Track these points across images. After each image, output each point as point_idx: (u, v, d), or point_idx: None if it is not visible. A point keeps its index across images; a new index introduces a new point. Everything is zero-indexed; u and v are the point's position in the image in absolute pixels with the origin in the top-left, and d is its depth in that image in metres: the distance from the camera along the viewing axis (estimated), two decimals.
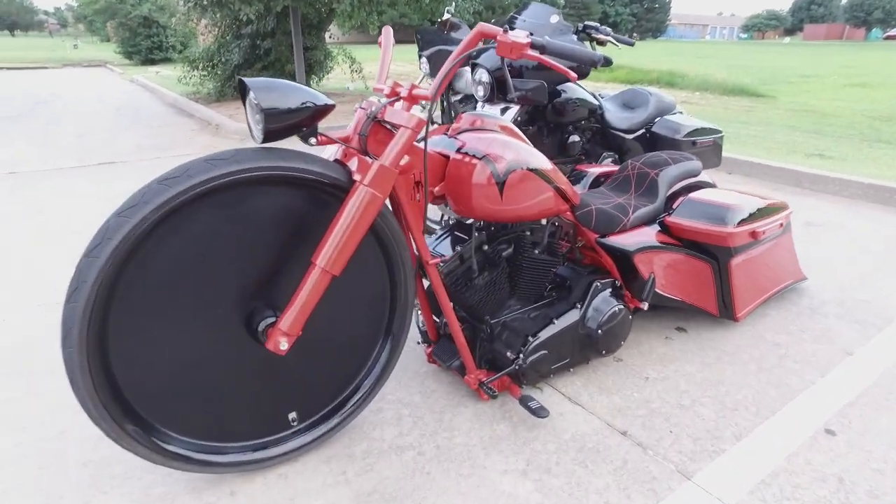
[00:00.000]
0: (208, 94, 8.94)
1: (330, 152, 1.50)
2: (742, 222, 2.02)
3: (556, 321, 1.83)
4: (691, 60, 17.76)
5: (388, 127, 1.48)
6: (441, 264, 1.67)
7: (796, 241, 3.17)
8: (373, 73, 9.98)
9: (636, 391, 1.89)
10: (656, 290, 2.02)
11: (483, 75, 2.88)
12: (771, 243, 2.21)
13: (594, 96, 3.37)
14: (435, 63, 3.83)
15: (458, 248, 1.70)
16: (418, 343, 2.10)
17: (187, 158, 5.27)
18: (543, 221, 1.81)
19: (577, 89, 3.16)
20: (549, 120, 3.13)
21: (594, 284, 1.90)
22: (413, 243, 1.59)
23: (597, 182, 2.38)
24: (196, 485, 1.51)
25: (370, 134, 1.45)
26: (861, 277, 2.73)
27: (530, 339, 1.78)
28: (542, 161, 1.65)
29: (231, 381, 1.45)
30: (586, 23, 3.18)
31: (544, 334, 1.80)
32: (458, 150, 1.58)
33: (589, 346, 1.89)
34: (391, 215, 1.53)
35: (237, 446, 1.51)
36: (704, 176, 2.29)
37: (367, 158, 1.44)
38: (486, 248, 1.74)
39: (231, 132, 6.58)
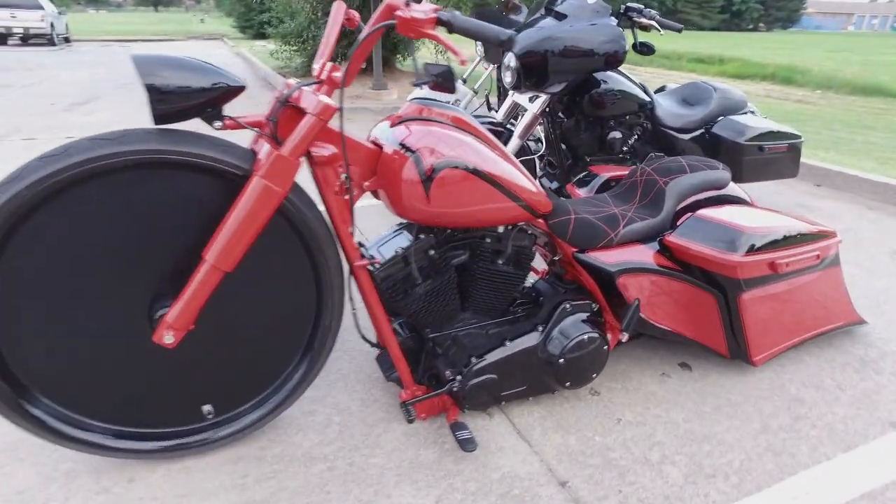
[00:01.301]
0: (296, 69, 9.25)
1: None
2: (757, 250, 1.64)
3: (509, 343, 1.60)
4: (823, 54, 15.78)
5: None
6: (376, 267, 1.51)
7: (876, 273, 2.63)
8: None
9: (600, 434, 1.63)
10: (648, 318, 1.72)
11: (511, 60, 2.63)
12: (806, 277, 1.80)
13: (644, 89, 2.99)
14: (488, 46, 3.61)
15: (399, 251, 1.53)
16: (372, 345, 1.96)
17: (221, 131, 5.45)
18: (501, 229, 1.58)
19: (621, 80, 2.81)
20: (587, 113, 2.82)
21: (562, 306, 1.64)
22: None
23: (606, 186, 2.08)
24: (99, 466, 1.49)
25: (282, 119, 1.32)
26: None
27: (473, 359, 1.58)
28: (493, 162, 1.43)
29: (136, 366, 1.40)
30: (628, 4, 2.80)
31: (493, 356, 1.59)
32: (394, 142, 1.41)
33: (551, 375, 1.65)
34: (312, 210, 1.40)
35: (140, 432, 1.46)
36: (736, 189, 1.91)
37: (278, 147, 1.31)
38: (432, 252, 1.55)
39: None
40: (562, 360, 1.61)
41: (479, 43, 3.95)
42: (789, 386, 1.84)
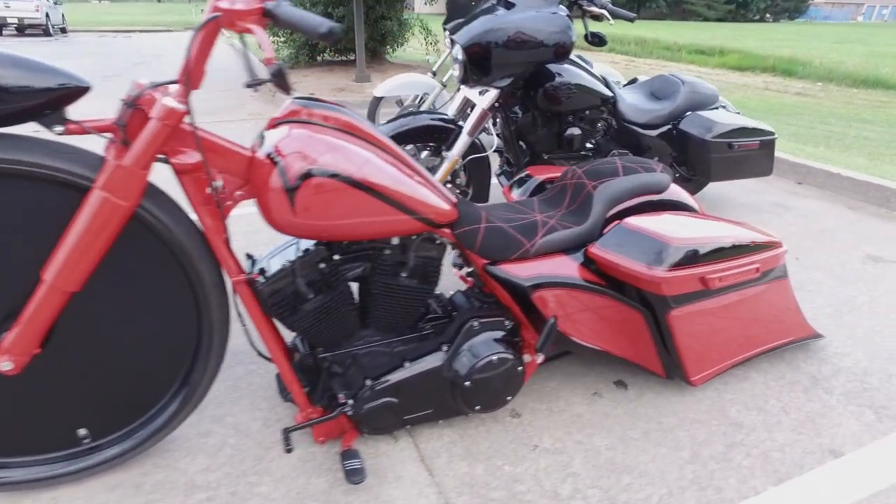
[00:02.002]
0: (283, 60, 9.09)
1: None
2: (684, 265, 1.49)
3: (409, 363, 1.47)
4: (828, 45, 15.42)
5: None
6: (261, 281, 1.37)
7: (844, 280, 2.47)
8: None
9: (511, 463, 1.49)
10: (572, 336, 1.58)
11: (458, 52, 2.48)
12: (747, 291, 1.64)
13: (605, 82, 2.83)
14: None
15: (287, 264, 1.39)
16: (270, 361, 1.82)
17: (226, 124, 5.34)
18: (396, 240, 1.44)
19: (578, 73, 2.65)
20: (541, 108, 2.66)
21: (468, 324, 1.50)
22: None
23: (542, 189, 1.93)
24: None
25: (131, 124, 1.18)
26: None
27: (368, 381, 1.45)
28: (376, 170, 1.28)
29: None
30: None
31: (390, 378, 1.45)
32: (265, 147, 1.27)
33: (458, 398, 1.51)
34: (179, 223, 1.27)
35: (5, 462, 1.35)
36: (681, 193, 1.75)
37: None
38: (323, 265, 1.41)
39: (283, 99, 6.60)
40: (468, 383, 1.48)
41: (447, 32, 3.77)
42: (730, 408, 1.69)
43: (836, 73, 9.49)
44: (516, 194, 1.91)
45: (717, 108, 2.99)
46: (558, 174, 1.96)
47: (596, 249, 1.53)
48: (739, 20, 30.98)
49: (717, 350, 1.68)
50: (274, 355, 1.42)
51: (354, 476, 1.35)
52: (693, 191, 3.33)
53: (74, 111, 5.72)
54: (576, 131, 2.75)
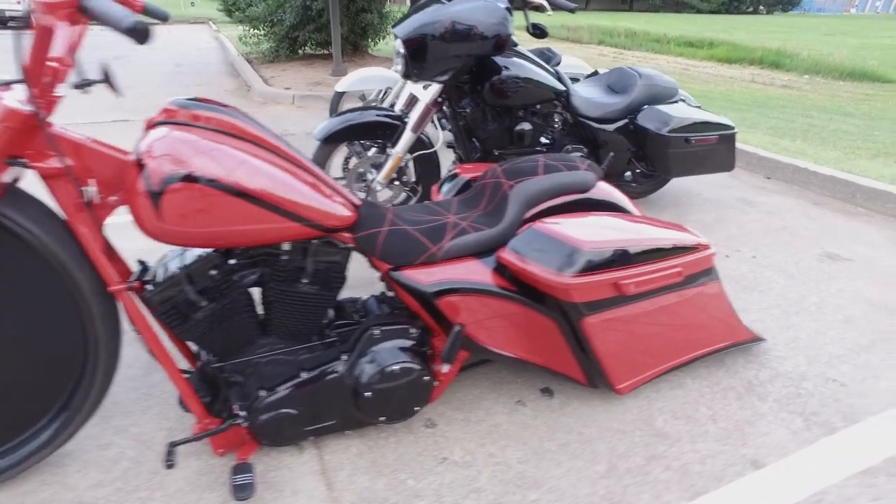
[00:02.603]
0: (263, 54, 8.97)
1: None
2: (594, 269, 1.41)
3: (306, 374, 1.40)
4: (819, 37, 15.31)
5: None
6: (150, 290, 1.30)
7: (797, 280, 2.40)
8: None
9: (415, 477, 1.42)
10: (486, 344, 1.50)
11: (399, 46, 2.39)
12: (671, 296, 1.56)
13: (557, 76, 2.74)
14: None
15: (176, 271, 1.32)
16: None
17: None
18: (287, 246, 1.36)
19: (525, 66, 2.56)
20: (489, 102, 2.58)
21: (369, 332, 1.43)
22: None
23: (467, 189, 1.85)
24: None
25: None
26: (855, 346, 1.97)
27: (263, 392, 1.37)
28: (255, 174, 1.20)
29: None
30: None
31: (286, 388, 1.38)
32: (136, 150, 1.19)
33: (360, 409, 1.44)
34: (47, 231, 1.19)
35: None
36: (610, 192, 1.67)
37: None
38: (214, 272, 1.33)
39: (257, 94, 6.49)
40: (368, 393, 1.40)
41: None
42: (657, 417, 1.62)
43: (822, 65, 9.40)
44: (442, 194, 1.83)
45: (676, 102, 2.91)
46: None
47: (505, 253, 1.45)
48: (733, 12, 30.77)
49: (643, 357, 1.61)
50: (163, 364, 1.34)
51: (241, 492, 1.28)
52: (655, 187, 3.26)
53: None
54: (526, 126, 2.67)
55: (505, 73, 2.50)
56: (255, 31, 9.04)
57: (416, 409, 1.49)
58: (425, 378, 1.45)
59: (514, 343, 1.52)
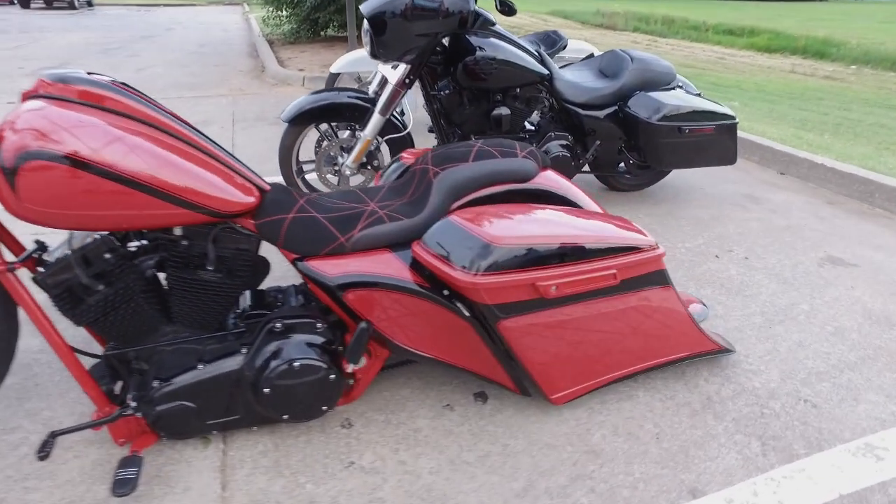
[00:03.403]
0: (284, 35, 8.96)
1: None
2: (507, 268, 1.25)
3: (203, 365, 1.31)
4: (875, 25, 14.36)
5: None
6: (42, 272, 1.23)
7: (790, 285, 2.19)
8: None
9: (315, 481, 1.32)
10: (403, 344, 1.39)
11: (365, 24, 2.26)
12: (608, 301, 1.39)
13: (540, 57, 2.57)
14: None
15: (69, 253, 1.24)
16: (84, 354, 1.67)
17: (200, 99, 5.23)
18: (178, 231, 1.27)
19: (502, 47, 2.40)
20: (462, 85, 2.43)
21: (270, 324, 1.33)
22: None
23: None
24: None
25: None
26: (840, 362, 1.77)
27: (156, 383, 1.30)
28: (125, 155, 1.10)
29: None
30: None
31: (181, 380, 1.30)
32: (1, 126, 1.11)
33: (261, 405, 1.35)
34: None
35: None
36: (557, 183, 1.52)
37: None
38: (109, 256, 1.26)
39: (269, 76, 6.47)
40: (267, 390, 1.31)
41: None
42: (595, 432, 1.48)
43: (872, 54, 8.80)
44: (382, 180, 1.71)
45: (672, 89, 2.69)
46: None
47: (418, 247, 1.32)
48: (787, 0, 29.26)
49: (582, 366, 1.46)
50: (54, 347, 1.28)
51: (120, 488, 1.20)
52: (652, 180, 3.05)
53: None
54: (504, 111, 2.51)
55: (479, 53, 2.35)
56: (278, 12, 9.03)
57: (323, 408, 1.39)
58: (332, 377, 1.34)
59: (433, 344, 1.40)
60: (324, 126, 2.55)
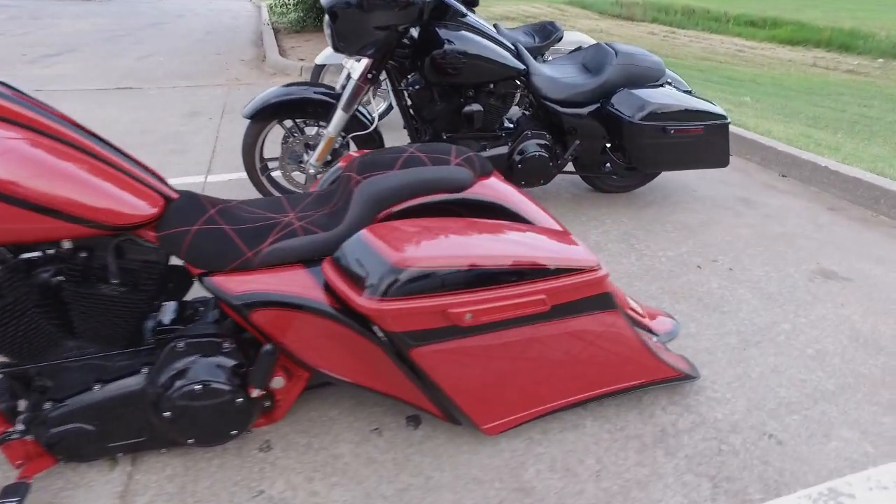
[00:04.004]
0: (290, 23, 8.86)
1: None
2: (411, 293, 1.12)
3: (101, 384, 1.22)
4: None
5: None
6: None
7: (773, 301, 2.02)
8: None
9: None
10: (319, 367, 1.27)
11: (326, 17, 2.14)
12: (541, 328, 1.25)
13: (516, 52, 2.42)
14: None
15: None
16: None
17: (196, 89, 5.17)
18: (68, 244, 1.17)
19: (473, 40, 2.25)
20: (430, 80, 2.30)
21: (173, 343, 1.22)
22: None
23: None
24: None
25: None
26: (815, 391, 1.61)
27: (48, 404, 1.21)
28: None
29: None
30: None
31: (77, 401, 1.21)
32: None
33: (164, 428, 1.25)
34: None
35: None
36: (500, 194, 1.39)
37: None
38: None
39: (269, 65, 6.38)
40: (167, 413, 1.21)
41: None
42: (529, 467, 1.35)
43: None
44: (319, 185, 1.59)
45: (659, 86, 2.52)
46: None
47: (327, 265, 1.21)
48: None
49: (515, 395, 1.33)
50: None
51: None
52: (641, 181, 2.88)
53: (62, 66, 5.72)
54: (476, 107, 2.37)
55: (447, 46, 2.21)
56: (284, 0, 8.94)
57: (232, 433, 1.29)
58: (238, 400, 1.24)
59: (350, 368, 1.29)
60: (289, 122, 2.44)
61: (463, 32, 2.25)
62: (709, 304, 2.02)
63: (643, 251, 2.36)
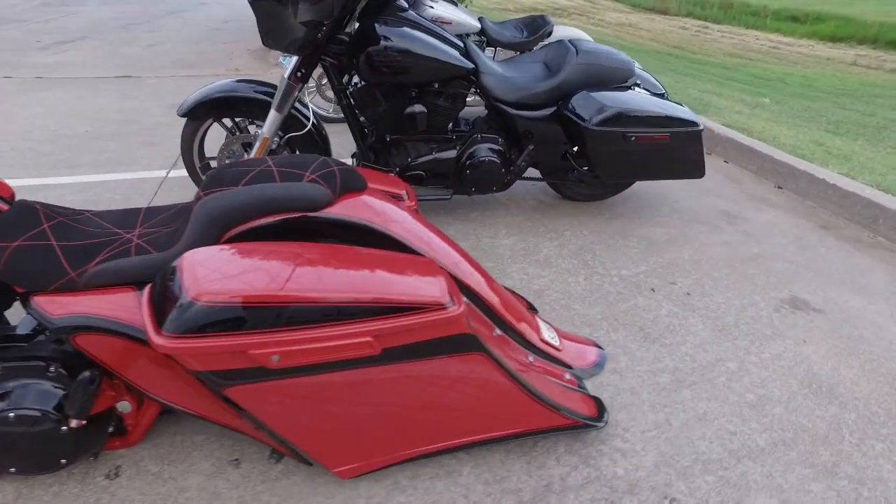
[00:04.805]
0: None
1: None
2: (206, 332, 0.96)
3: None
4: None
5: None
6: None
7: (725, 335, 1.81)
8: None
9: None
10: (153, 394, 1.16)
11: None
12: (385, 371, 1.08)
13: (465, 50, 2.24)
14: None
15: None
16: None
17: (194, 78, 5.15)
18: None
19: (412, 36, 2.09)
20: (366, 79, 2.15)
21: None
22: None
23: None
24: None
25: None
26: (743, 447, 1.40)
27: None
28: None
29: None
30: None
31: None
32: None
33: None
34: None
35: None
36: (371, 213, 1.24)
37: None
38: None
39: (273, 56, 6.32)
40: None
41: None
42: None
43: None
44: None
45: (626, 88, 2.31)
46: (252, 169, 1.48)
47: (146, 290, 1.09)
48: None
49: (369, 438, 1.18)
50: None
51: None
52: (612, 190, 2.67)
53: (71, 53, 5.79)
54: (418, 108, 2.21)
55: (383, 43, 2.05)
56: None
57: (62, 461, 1.19)
58: (63, 429, 1.14)
59: (186, 397, 1.17)
60: (228, 121, 2.34)
61: (404, 28, 2.09)
62: (650, 333, 1.82)
63: (595, 268, 2.17)
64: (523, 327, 1.48)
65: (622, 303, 1.97)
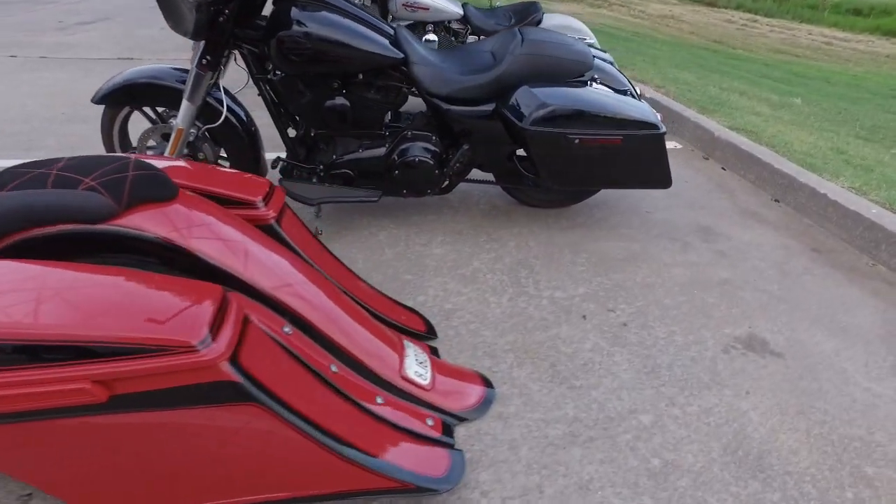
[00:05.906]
0: None
1: None
2: None
3: None
4: None
5: None
6: None
7: (661, 380, 1.53)
8: None
9: None
10: None
11: None
12: (121, 417, 0.85)
13: (394, 38, 2.01)
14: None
15: None
16: None
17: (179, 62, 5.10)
18: None
19: (330, 21, 1.88)
20: (279, 69, 1.96)
21: None
22: None
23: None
24: None
25: None
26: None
27: None
28: None
29: None
30: None
31: None
32: None
33: None
34: None
35: None
36: (171, 225, 1.04)
37: None
38: None
39: None
40: None
41: None
42: None
43: None
44: None
45: (582, 83, 2.02)
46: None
47: None
48: None
49: (131, 489, 1.00)
50: None
51: None
52: (573, 198, 2.39)
53: (86, 34, 5.85)
54: (339, 101, 2.00)
55: (295, 28, 1.85)
56: None
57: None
58: None
59: None
60: (148, 109, 2.20)
61: (322, 13, 1.88)
62: (561, 371, 1.56)
63: (526, 288, 1.91)
64: (375, 362, 1.27)
65: (541, 332, 1.71)
